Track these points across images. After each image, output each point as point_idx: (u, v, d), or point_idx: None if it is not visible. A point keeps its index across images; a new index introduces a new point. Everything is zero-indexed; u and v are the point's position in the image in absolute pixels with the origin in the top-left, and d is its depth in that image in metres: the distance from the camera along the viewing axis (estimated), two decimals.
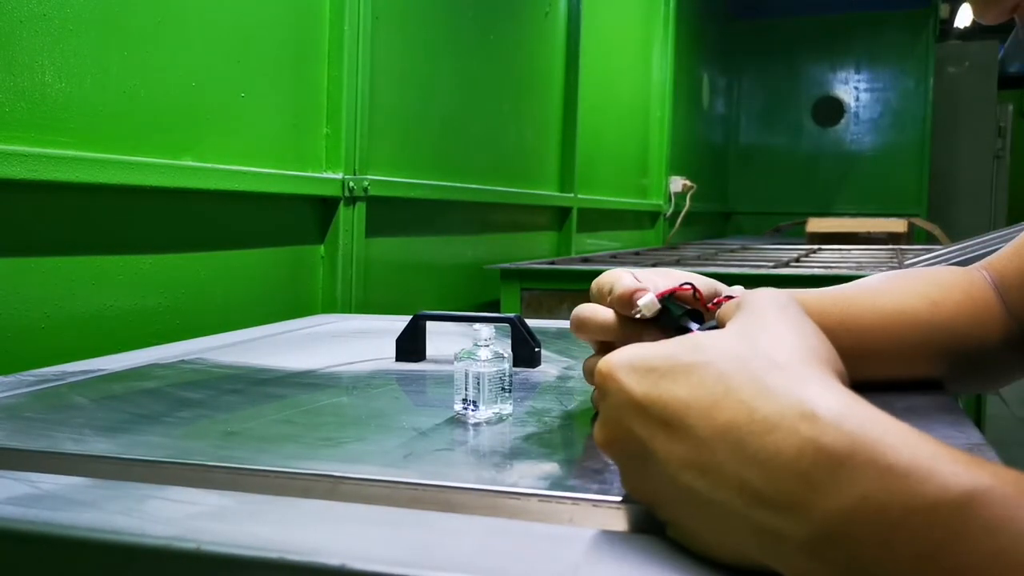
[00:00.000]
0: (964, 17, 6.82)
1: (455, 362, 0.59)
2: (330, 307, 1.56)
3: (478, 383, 0.58)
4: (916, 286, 0.67)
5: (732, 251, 3.06)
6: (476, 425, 0.58)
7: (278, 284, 1.46)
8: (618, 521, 0.41)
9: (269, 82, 1.41)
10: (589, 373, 0.61)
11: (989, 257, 0.71)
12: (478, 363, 0.58)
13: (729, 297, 0.54)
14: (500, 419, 0.59)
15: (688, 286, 0.56)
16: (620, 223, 3.55)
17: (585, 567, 0.37)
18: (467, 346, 0.59)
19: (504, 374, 0.59)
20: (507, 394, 0.60)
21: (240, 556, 0.38)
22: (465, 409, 0.59)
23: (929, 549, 0.29)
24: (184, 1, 1.22)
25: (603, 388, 0.39)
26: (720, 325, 0.43)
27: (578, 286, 1.94)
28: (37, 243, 1.02)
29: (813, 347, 0.38)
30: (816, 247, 3.24)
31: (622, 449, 0.39)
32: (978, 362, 0.67)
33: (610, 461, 0.42)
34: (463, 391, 0.59)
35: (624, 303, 0.56)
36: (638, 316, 0.55)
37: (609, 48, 3.26)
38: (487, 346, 0.58)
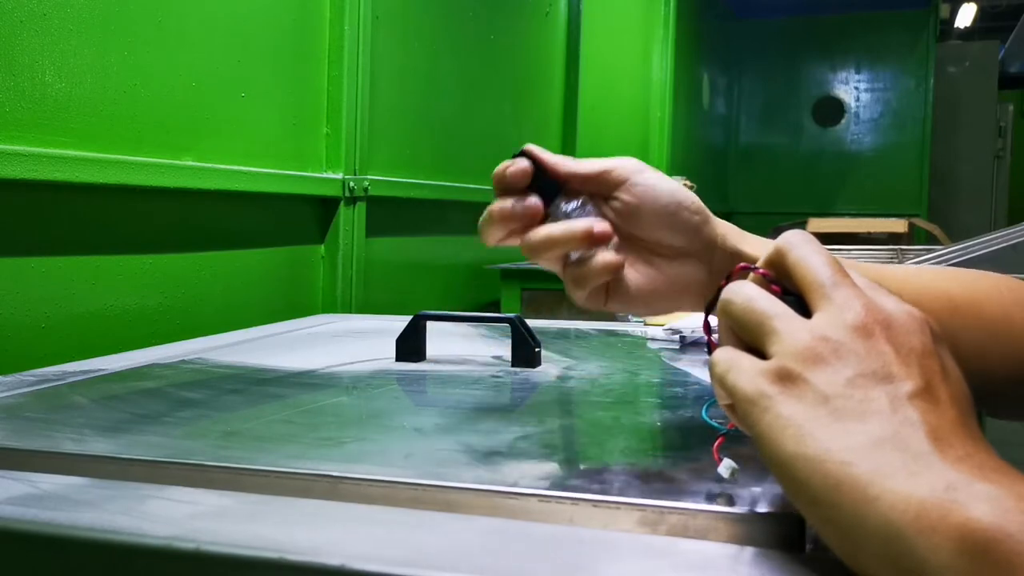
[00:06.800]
0: (964, 17, 6.82)
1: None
2: (330, 307, 1.56)
3: None
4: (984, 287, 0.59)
5: None
6: None
7: (278, 284, 1.46)
8: (618, 521, 0.41)
9: (269, 82, 1.41)
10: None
11: None
12: None
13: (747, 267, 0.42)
14: None
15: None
16: None
17: (585, 567, 0.37)
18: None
19: None
20: None
21: (240, 556, 0.38)
22: None
23: None
24: (184, 1, 1.22)
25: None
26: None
27: None
28: (37, 243, 1.02)
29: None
30: None
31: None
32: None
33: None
34: None
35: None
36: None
37: (609, 48, 3.26)
38: None
